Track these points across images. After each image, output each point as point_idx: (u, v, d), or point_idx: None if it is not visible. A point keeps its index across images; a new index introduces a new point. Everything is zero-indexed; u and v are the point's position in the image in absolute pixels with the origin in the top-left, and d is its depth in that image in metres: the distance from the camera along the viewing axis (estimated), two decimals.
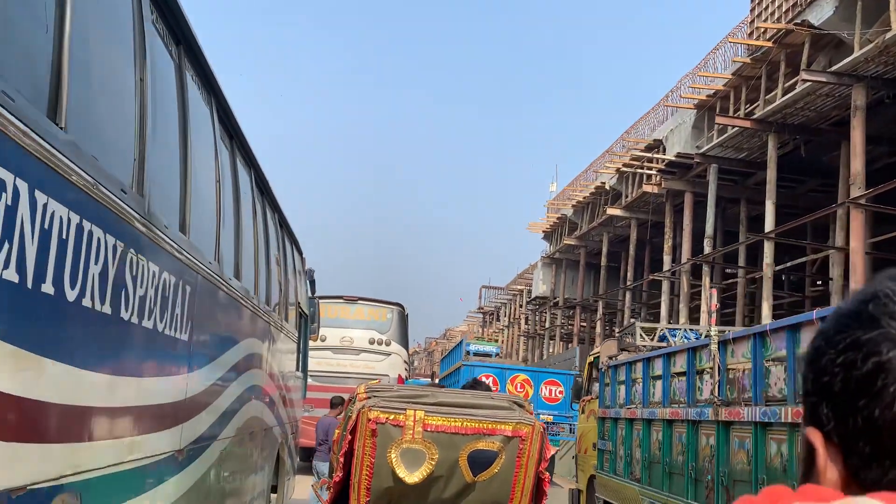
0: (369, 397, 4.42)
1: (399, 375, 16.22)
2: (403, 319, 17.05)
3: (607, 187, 26.79)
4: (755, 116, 15.78)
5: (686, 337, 10.35)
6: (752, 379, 6.66)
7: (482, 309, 65.44)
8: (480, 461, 4.29)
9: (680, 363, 8.34)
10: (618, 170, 24.84)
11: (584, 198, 29.37)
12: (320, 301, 17.06)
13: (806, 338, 5.82)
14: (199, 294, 4.16)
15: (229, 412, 5.25)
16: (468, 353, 21.69)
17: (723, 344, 7.33)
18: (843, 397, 0.55)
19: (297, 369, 10.42)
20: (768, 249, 15.73)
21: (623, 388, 10.07)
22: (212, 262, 4.39)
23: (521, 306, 49.07)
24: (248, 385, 6.11)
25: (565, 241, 32.56)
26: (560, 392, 18.69)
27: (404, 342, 16.94)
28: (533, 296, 41.07)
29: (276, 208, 8.14)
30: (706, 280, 18.75)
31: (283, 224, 8.88)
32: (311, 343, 16.49)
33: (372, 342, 16.28)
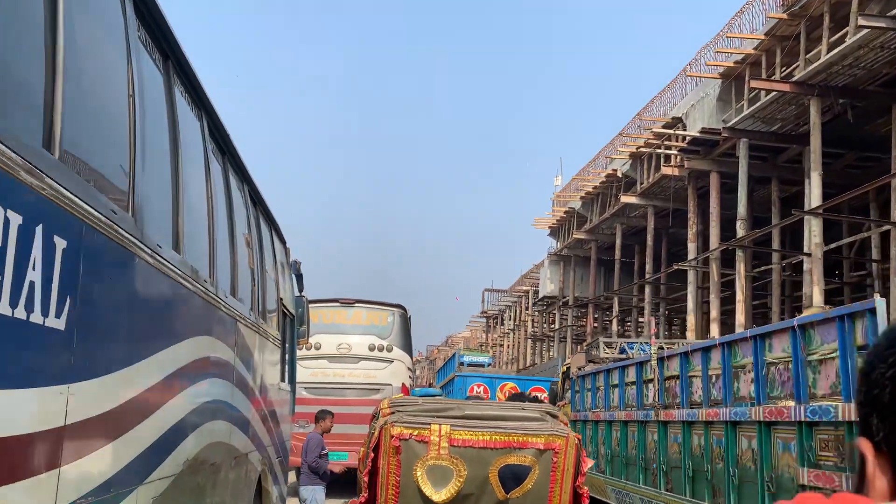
0: (392, 412, 4.33)
1: (403, 385, 14.72)
2: (406, 322, 15.53)
3: (619, 174, 25.27)
4: (795, 79, 14.25)
5: (642, 349, 11.57)
6: (680, 387, 8.66)
7: (485, 313, 63.95)
8: (512, 476, 4.20)
9: (631, 374, 10.20)
10: (632, 154, 23.32)
11: (594, 188, 27.85)
12: (314, 305, 15.58)
13: (727, 354, 7.55)
14: (90, 253, 2.61)
15: (170, 440, 3.70)
16: (462, 363, 22.73)
17: (661, 360, 9.23)
18: (893, 409, 0.58)
19: (284, 380, 8.87)
20: (816, 227, 14.19)
21: (589, 394, 11.90)
22: (113, 210, 2.82)
23: (526, 308, 47.51)
24: (205, 400, 4.56)
25: (574, 236, 31.02)
26: (545, 398, 18.17)
27: (407, 347, 15.42)
28: (540, 296, 39.52)
29: (245, 178, 6.61)
30: (741, 267, 17.19)
31: (258, 201, 7.37)
32: (301, 350, 15.12)
33: (372, 348, 14.80)
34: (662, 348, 10.25)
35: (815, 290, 13.92)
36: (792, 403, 6.19)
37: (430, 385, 30.58)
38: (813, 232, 14.24)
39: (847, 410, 5.49)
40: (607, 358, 12.29)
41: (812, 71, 13.73)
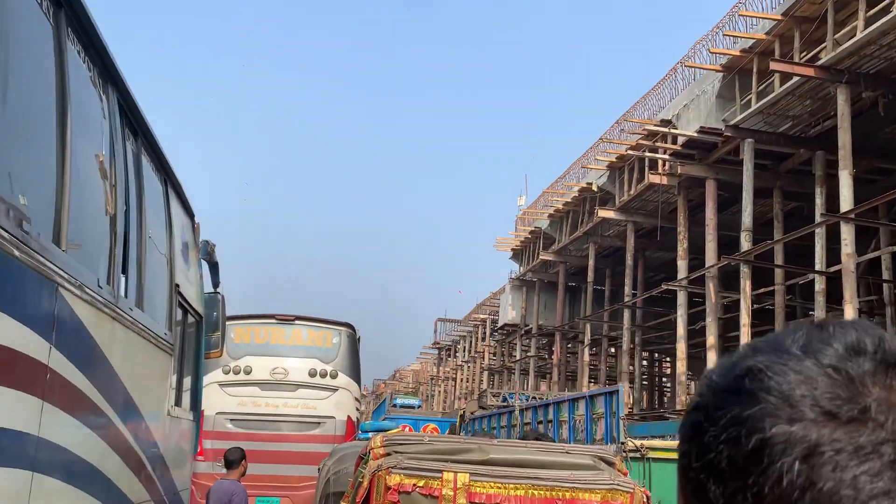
0: (388, 453, 3.39)
1: (348, 418, 12.39)
2: (354, 344, 13.24)
3: (595, 188, 23.38)
4: (822, 62, 12.48)
5: (523, 397, 14.88)
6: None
7: (437, 344, 61.52)
8: None
9: (504, 420, 12.55)
10: (611, 164, 21.46)
11: (565, 203, 25.92)
12: (245, 322, 13.08)
13: (555, 408, 12.11)
14: None
15: None
16: (394, 405, 24.51)
17: (521, 410, 12.43)
18: (731, 474, 0.56)
19: (179, 404, 6.35)
20: (848, 235, 12.33)
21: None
22: None
23: (483, 339, 45.24)
24: None
25: (541, 257, 29.02)
26: None
27: (355, 374, 13.12)
28: (500, 324, 37.33)
29: (111, 77, 4.27)
30: (746, 285, 15.23)
31: (141, 131, 5.01)
32: (227, 373, 12.56)
33: (313, 374, 12.58)
34: (528, 399, 14.03)
35: (847, 309, 11.97)
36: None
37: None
38: (844, 240, 12.38)
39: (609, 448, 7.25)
40: (493, 405, 15.40)
41: (844, 52, 11.97)
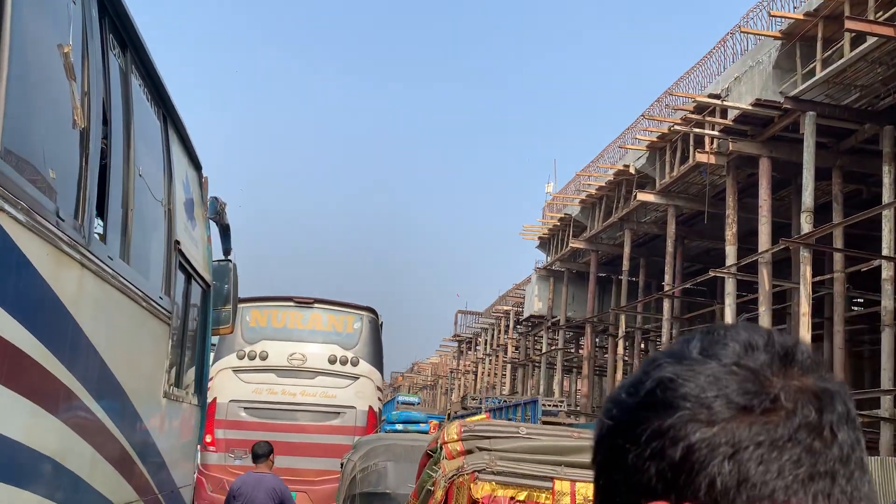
0: (470, 450, 2.42)
1: (370, 409, 11.64)
2: (376, 330, 12.50)
3: (633, 170, 22.25)
4: None
5: (495, 400, 17.31)
6: None
7: (457, 336, 60.61)
8: None
9: None
10: (651, 144, 20.31)
11: (600, 188, 24.80)
12: (262, 305, 12.40)
13: (513, 411, 16.92)
14: None
15: None
16: (398, 402, 25.61)
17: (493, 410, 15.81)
18: (664, 489, 0.56)
19: (180, 385, 5.45)
20: None
21: None
22: None
23: (506, 331, 44.23)
24: None
25: (572, 245, 27.93)
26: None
27: (378, 362, 12.38)
28: (525, 315, 36.29)
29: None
30: (807, 271, 14.08)
31: (127, 40, 4.08)
32: (238, 357, 11.80)
33: (333, 361, 11.88)
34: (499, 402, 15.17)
35: None
36: None
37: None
38: None
39: None
40: (471, 407, 16.46)
41: None
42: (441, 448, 2.53)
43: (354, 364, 11.87)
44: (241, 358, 11.52)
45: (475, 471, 2.38)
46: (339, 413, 11.50)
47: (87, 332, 3.24)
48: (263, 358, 11.68)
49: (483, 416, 4.68)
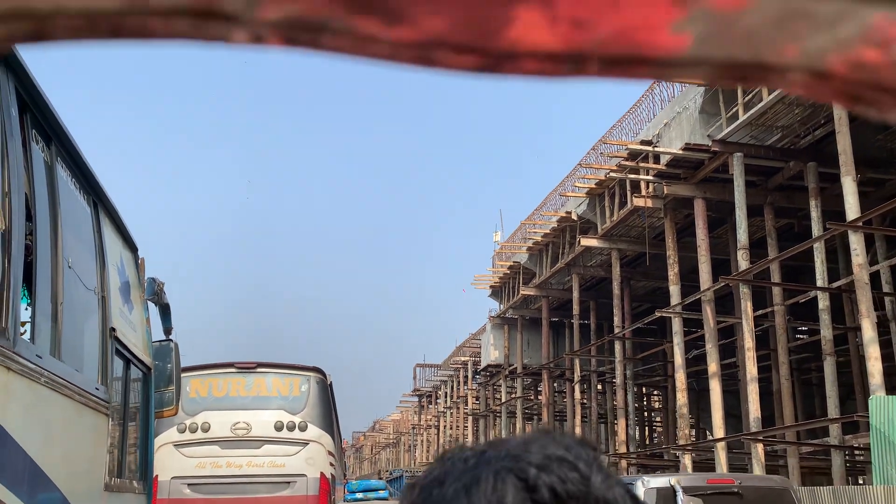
0: None
1: (321, 475, 11.18)
2: (325, 391, 12.07)
3: (574, 216, 22.70)
4: None
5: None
6: None
7: (417, 391, 60.03)
8: None
9: None
10: (590, 191, 20.80)
11: (545, 235, 25.19)
12: (201, 373, 11.92)
13: None
14: None
15: None
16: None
17: None
18: None
19: (121, 475, 5.30)
20: (858, 245, 11.64)
21: None
22: None
23: (465, 382, 44.01)
24: None
25: (522, 292, 28.17)
26: None
27: (328, 425, 11.91)
28: (483, 365, 36.21)
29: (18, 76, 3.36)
30: (747, 305, 14.45)
31: (51, 134, 4.09)
32: (183, 431, 11.41)
33: (280, 427, 11.36)
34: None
35: (865, 324, 11.21)
36: None
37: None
38: (854, 250, 11.69)
39: None
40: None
41: None
42: None
43: (303, 429, 11.34)
44: (181, 431, 10.99)
45: None
46: (289, 483, 10.99)
47: (15, 436, 3.16)
48: (206, 430, 11.12)
49: None
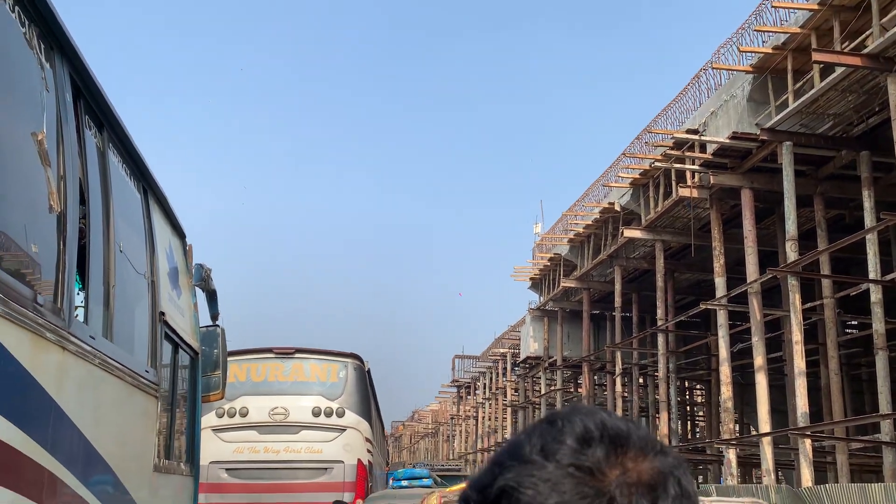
0: None
1: (359, 461, 11.17)
2: (363, 378, 12.06)
3: (618, 207, 22.42)
4: (868, 50, 11.58)
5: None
6: None
7: (456, 381, 60.15)
8: None
9: None
10: (634, 181, 20.53)
11: (587, 226, 24.95)
12: (238, 358, 11.85)
13: None
14: None
15: None
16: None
17: None
18: None
19: (170, 457, 5.39)
20: None
21: None
22: None
23: (504, 374, 43.96)
24: None
25: (563, 284, 27.97)
26: None
27: (365, 411, 11.89)
28: (522, 357, 36.12)
29: (58, 42, 3.43)
30: (795, 298, 14.13)
31: (104, 121, 4.16)
32: (221, 414, 11.47)
33: (317, 413, 11.35)
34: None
35: None
36: None
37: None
38: None
39: None
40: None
41: (895, 36, 11.04)
42: None
43: (340, 415, 11.31)
44: (220, 416, 11.00)
45: None
46: (326, 469, 11.00)
47: (71, 415, 3.22)
48: (244, 415, 11.15)
49: (463, 485, 4.57)
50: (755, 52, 14.74)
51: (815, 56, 12.18)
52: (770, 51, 14.39)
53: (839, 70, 12.21)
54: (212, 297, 6.85)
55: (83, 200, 3.60)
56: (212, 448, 10.75)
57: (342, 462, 11.07)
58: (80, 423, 3.33)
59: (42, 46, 3.25)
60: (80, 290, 3.63)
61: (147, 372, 4.50)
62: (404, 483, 9.33)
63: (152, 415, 4.69)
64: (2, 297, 2.50)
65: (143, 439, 4.56)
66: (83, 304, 3.59)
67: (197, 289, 6.47)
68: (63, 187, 3.26)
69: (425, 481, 9.28)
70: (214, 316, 6.96)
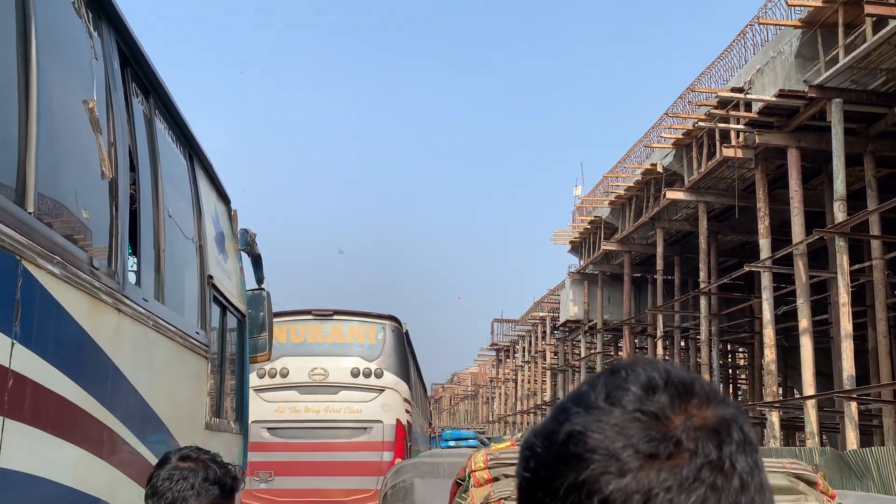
0: (496, 478, 2.43)
1: (398, 421, 11.31)
2: (401, 339, 12.17)
3: (660, 169, 22.07)
4: None
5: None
6: None
7: (495, 345, 60.43)
8: None
9: None
10: (677, 141, 20.14)
11: (628, 188, 24.63)
12: (278, 320, 12.01)
13: None
14: None
15: None
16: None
17: None
18: None
19: (220, 416, 5.54)
20: None
21: None
22: None
23: (543, 337, 44.02)
24: None
25: (604, 247, 27.74)
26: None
27: (404, 372, 12.00)
28: (562, 320, 36.09)
29: (105, 11, 3.46)
30: (843, 259, 13.83)
31: (150, 88, 4.20)
32: (262, 375, 11.66)
33: (356, 374, 11.46)
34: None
35: None
36: None
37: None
38: None
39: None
40: None
41: None
42: (469, 476, 2.49)
43: (379, 376, 11.44)
44: (261, 377, 11.14)
45: (501, 498, 2.35)
46: (365, 428, 11.15)
47: (127, 374, 3.34)
48: (284, 375, 11.34)
49: (508, 443, 4.61)
50: (804, 6, 14.24)
51: (868, 9, 11.74)
52: (820, 4, 13.89)
53: (893, 23, 11.75)
54: (257, 261, 6.98)
55: (132, 167, 3.68)
56: (253, 408, 10.95)
57: (381, 422, 11.19)
58: (136, 382, 3.45)
59: (90, 16, 3.30)
60: (131, 254, 3.74)
61: (197, 333, 4.63)
62: (451, 444, 9.47)
63: (203, 375, 4.83)
64: (60, 260, 2.59)
65: (195, 398, 4.71)
66: (135, 268, 3.69)
67: (242, 253, 6.60)
68: (114, 154, 3.34)
69: (471, 441, 9.42)
70: (260, 280, 7.10)
